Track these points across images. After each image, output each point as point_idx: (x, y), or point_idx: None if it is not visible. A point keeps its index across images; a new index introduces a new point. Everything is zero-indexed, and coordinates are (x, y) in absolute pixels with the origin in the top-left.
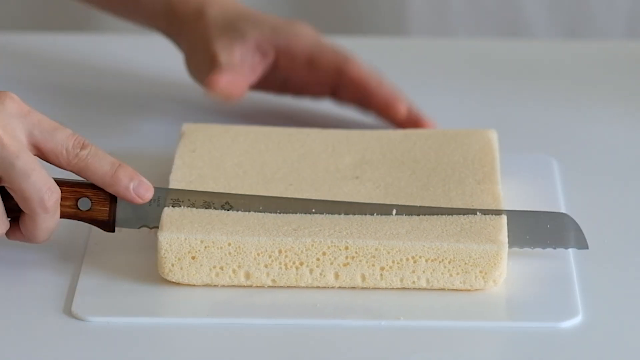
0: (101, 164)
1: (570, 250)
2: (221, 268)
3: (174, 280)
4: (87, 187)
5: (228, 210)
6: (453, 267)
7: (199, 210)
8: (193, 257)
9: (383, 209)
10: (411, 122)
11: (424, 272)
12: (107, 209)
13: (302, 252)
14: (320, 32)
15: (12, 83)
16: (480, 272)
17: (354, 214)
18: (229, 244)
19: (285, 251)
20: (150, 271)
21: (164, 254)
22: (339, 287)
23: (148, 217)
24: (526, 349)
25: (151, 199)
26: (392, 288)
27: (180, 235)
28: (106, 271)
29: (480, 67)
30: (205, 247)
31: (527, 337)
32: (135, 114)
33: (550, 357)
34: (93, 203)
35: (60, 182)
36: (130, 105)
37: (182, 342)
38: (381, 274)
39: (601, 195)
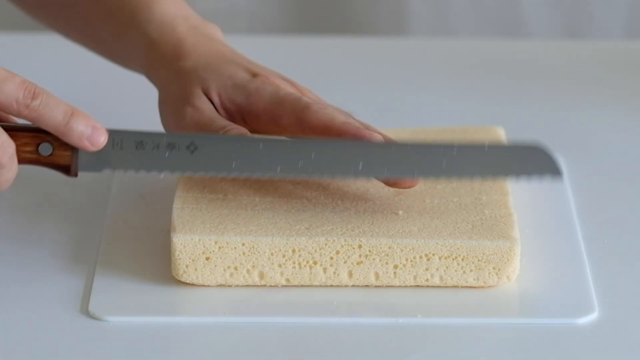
0: (54, 113)
1: (583, 245)
2: (235, 268)
3: (188, 282)
4: (48, 132)
5: (193, 152)
6: (466, 264)
7: (209, 209)
8: (207, 258)
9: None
10: None
11: (437, 269)
12: (69, 153)
13: (315, 251)
14: (319, 33)
15: None
16: (494, 268)
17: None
18: (243, 244)
19: (299, 250)
20: (164, 271)
21: (178, 255)
22: (353, 286)
23: (111, 161)
24: (543, 346)
25: (114, 142)
26: (406, 286)
27: (194, 237)
28: (120, 271)
29: (480, 67)
30: (219, 247)
31: (544, 334)
32: (137, 114)
33: (568, 353)
34: (54, 148)
35: (19, 128)
36: (133, 105)
37: (200, 341)
38: (395, 272)
39: (611, 191)
